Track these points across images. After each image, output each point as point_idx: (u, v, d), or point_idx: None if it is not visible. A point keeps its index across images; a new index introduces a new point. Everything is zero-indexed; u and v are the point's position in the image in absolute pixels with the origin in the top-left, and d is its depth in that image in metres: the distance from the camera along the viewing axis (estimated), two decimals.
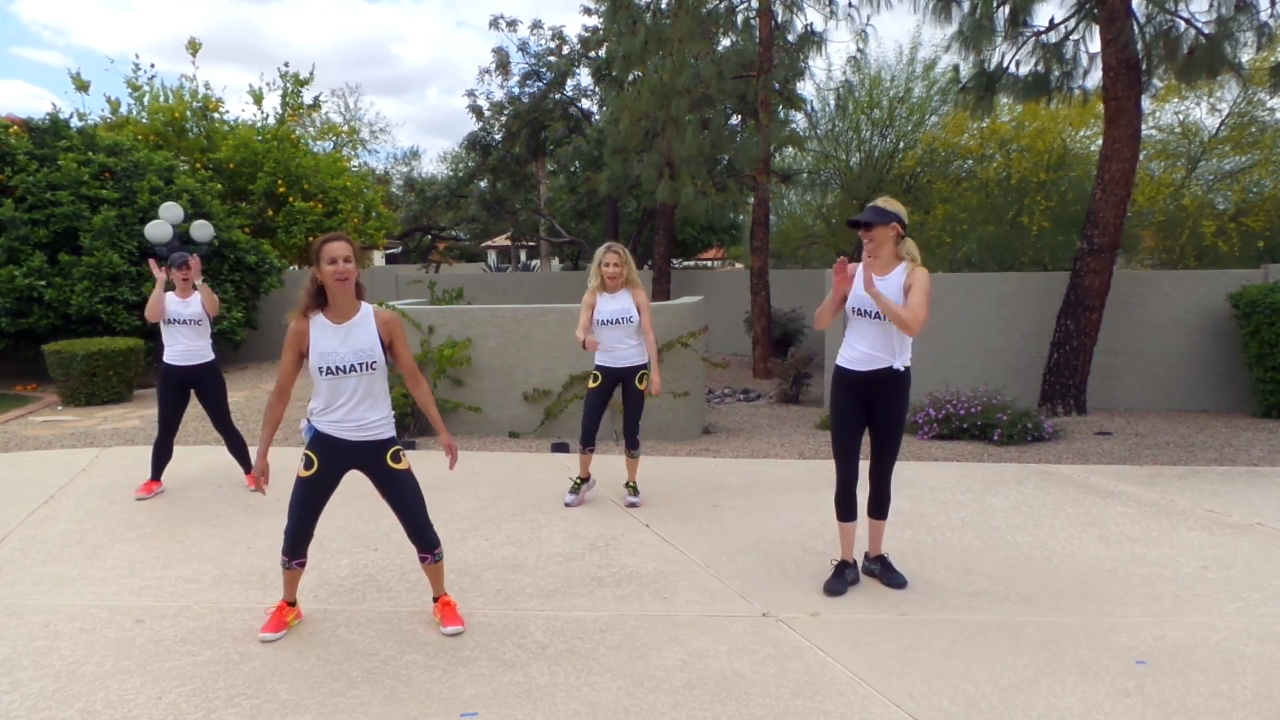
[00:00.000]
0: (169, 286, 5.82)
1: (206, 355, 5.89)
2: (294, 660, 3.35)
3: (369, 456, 3.52)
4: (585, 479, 5.66)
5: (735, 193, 13.18)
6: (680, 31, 11.02)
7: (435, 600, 3.74)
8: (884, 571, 4.19)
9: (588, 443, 5.54)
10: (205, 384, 5.91)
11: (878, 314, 3.81)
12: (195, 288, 5.84)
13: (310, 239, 16.93)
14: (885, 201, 3.89)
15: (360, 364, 3.42)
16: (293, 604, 3.67)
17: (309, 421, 3.52)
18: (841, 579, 4.08)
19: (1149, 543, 4.71)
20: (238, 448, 6.07)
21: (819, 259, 16.97)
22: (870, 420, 4.01)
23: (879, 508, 4.14)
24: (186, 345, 5.79)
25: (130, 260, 11.50)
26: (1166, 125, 12.56)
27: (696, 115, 11.25)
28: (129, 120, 16.83)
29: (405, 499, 3.55)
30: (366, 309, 3.51)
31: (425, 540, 3.59)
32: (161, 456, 5.90)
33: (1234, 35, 8.17)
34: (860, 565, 4.26)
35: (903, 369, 3.90)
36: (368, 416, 3.48)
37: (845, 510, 4.10)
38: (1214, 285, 8.89)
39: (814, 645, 3.47)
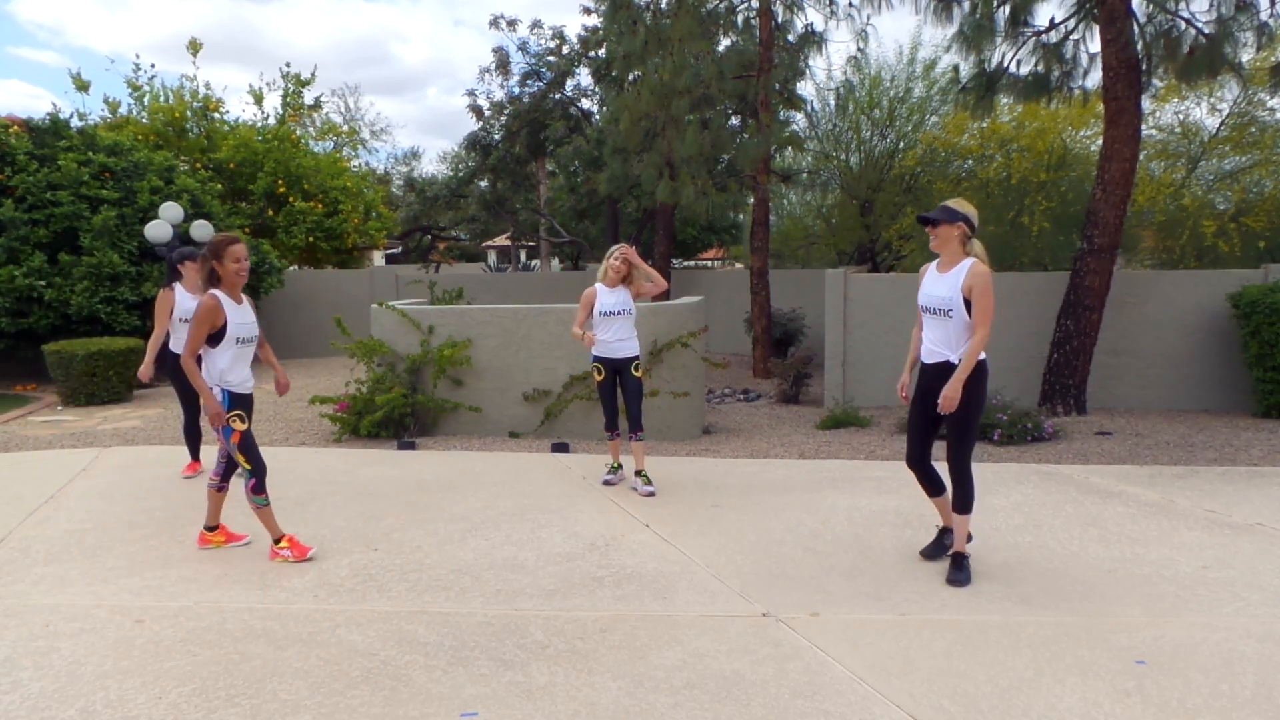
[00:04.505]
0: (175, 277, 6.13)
1: None
2: (294, 660, 3.35)
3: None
4: (620, 465, 6.18)
5: (735, 193, 13.17)
6: (680, 31, 11.02)
7: None
8: (951, 568, 4.24)
9: (610, 428, 6.09)
10: None
11: (937, 310, 4.13)
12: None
13: (311, 239, 16.96)
14: (955, 202, 4.15)
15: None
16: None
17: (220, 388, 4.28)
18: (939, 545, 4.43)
19: (1149, 543, 4.71)
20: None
21: (819, 259, 16.96)
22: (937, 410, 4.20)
23: (953, 500, 4.23)
24: None
25: (130, 260, 11.51)
26: (1166, 125, 12.55)
27: (696, 115, 11.24)
28: (129, 120, 16.84)
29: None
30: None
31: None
32: (193, 438, 6.28)
33: (1234, 35, 8.16)
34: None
35: (958, 361, 4.11)
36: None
37: (920, 483, 4.41)
38: (1214, 285, 8.89)
39: (814, 645, 3.46)
